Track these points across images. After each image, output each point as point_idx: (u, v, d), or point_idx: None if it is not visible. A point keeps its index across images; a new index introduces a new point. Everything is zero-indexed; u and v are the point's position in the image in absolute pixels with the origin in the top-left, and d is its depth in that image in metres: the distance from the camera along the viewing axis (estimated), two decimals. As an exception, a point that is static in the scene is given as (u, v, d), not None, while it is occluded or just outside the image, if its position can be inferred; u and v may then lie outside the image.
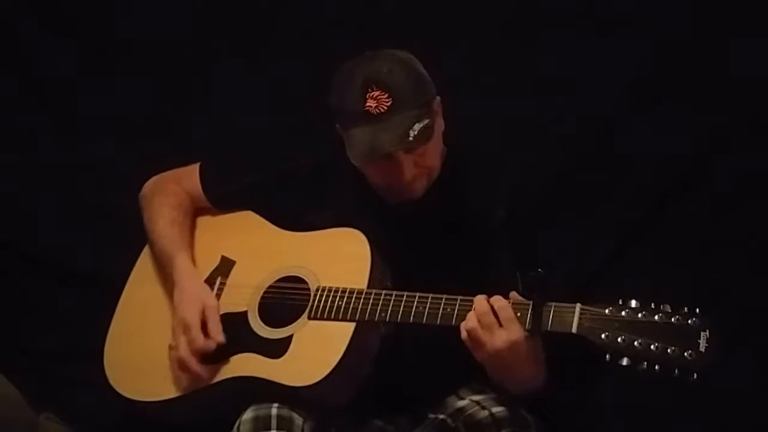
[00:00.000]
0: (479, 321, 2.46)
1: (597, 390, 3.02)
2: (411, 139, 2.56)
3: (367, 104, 2.57)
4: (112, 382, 2.76)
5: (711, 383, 2.36)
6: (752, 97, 3.02)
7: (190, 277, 2.75)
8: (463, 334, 2.48)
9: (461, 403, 2.69)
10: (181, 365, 2.66)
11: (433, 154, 2.67)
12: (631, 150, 3.10)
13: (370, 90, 2.57)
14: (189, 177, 2.88)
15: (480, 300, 2.47)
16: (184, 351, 2.65)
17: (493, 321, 2.45)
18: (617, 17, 3.08)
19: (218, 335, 2.66)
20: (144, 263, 2.89)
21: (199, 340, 2.65)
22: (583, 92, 3.10)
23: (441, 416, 2.70)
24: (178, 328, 2.68)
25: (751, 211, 3.02)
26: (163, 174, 2.92)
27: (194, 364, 2.65)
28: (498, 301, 2.47)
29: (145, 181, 2.94)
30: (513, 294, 2.48)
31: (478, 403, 2.67)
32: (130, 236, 2.93)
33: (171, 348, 2.70)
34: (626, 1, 3.09)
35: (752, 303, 2.99)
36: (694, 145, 3.06)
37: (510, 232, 2.67)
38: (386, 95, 2.56)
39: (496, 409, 2.63)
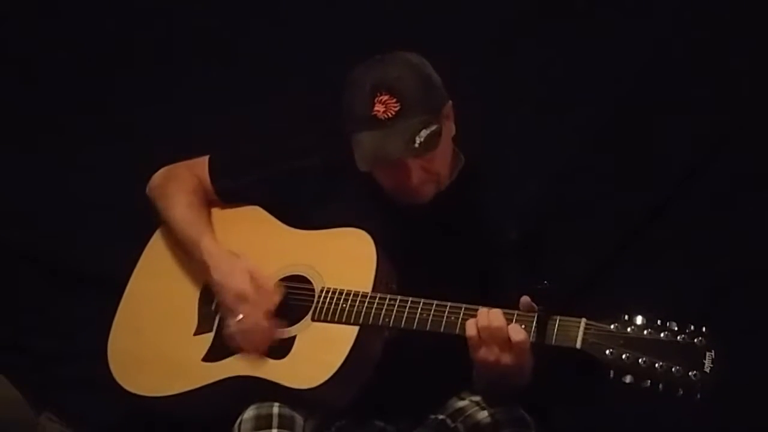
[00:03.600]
0: (491, 335, 2.43)
1: (596, 393, 3.03)
2: (417, 145, 2.55)
3: (375, 109, 2.55)
4: (116, 376, 2.74)
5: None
6: (752, 98, 3.03)
7: (222, 255, 2.70)
8: (471, 331, 2.45)
9: (461, 404, 2.68)
10: (254, 334, 2.61)
11: (443, 159, 2.65)
12: (630, 150, 3.11)
13: (378, 95, 2.55)
14: (199, 166, 2.85)
15: (497, 314, 2.44)
16: (255, 317, 2.60)
17: (506, 337, 2.43)
18: (618, 17, 3.09)
19: (278, 289, 2.64)
20: (148, 258, 2.87)
21: (264, 300, 2.62)
22: (584, 94, 3.11)
23: (441, 417, 2.69)
24: (235, 303, 2.63)
25: (751, 212, 3.03)
26: (173, 164, 2.88)
27: (269, 325, 2.61)
28: (518, 333, 2.42)
29: (146, 179, 2.90)
30: (524, 299, 2.44)
31: (477, 403, 2.65)
32: (130, 236, 2.92)
33: (231, 326, 2.63)
34: (627, 1, 3.10)
35: (751, 304, 3.01)
36: (694, 145, 3.07)
37: (520, 254, 2.65)
38: (394, 100, 2.55)
39: (496, 410, 2.62)
